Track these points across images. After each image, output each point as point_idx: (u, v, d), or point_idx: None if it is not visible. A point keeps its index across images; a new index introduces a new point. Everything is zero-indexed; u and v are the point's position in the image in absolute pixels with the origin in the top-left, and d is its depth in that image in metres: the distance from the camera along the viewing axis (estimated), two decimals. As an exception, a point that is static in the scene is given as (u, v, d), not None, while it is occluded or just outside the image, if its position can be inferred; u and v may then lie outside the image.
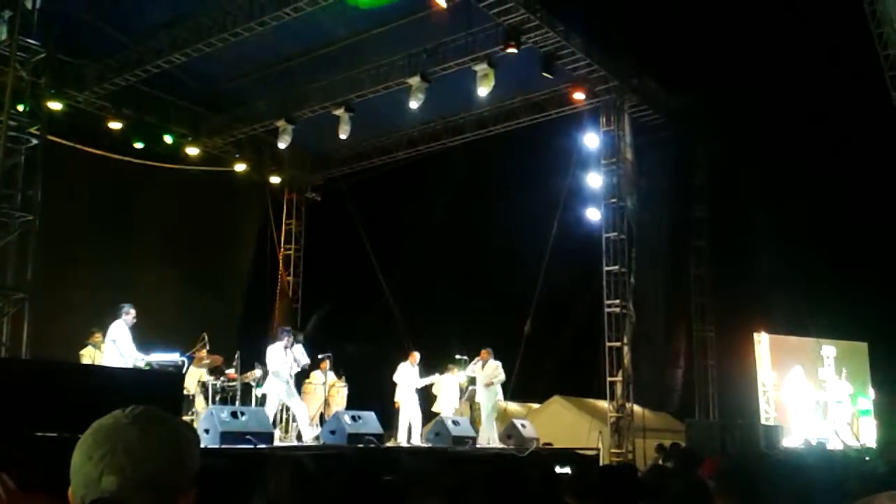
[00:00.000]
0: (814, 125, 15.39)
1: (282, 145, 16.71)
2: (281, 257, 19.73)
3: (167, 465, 1.36)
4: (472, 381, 14.43)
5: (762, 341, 18.24)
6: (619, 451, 14.64)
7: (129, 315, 10.19)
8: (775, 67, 15.41)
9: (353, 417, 11.13)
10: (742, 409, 17.40)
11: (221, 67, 15.51)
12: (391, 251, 18.19)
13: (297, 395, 11.83)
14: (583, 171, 16.14)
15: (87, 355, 11.40)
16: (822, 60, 14.43)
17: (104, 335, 10.35)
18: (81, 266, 14.21)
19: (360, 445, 10.51)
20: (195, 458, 1.43)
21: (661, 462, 11.21)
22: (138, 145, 16.11)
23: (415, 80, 14.50)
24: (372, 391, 13.73)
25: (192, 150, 17.26)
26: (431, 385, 13.72)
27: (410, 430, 12.73)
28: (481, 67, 13.98)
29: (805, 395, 18.19)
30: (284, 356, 11.31)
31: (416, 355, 13.24)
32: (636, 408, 15.22)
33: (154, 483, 1.34)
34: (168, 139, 16.47)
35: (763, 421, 17.28)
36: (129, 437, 1.35)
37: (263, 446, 9.14)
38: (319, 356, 13.02)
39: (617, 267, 15.24)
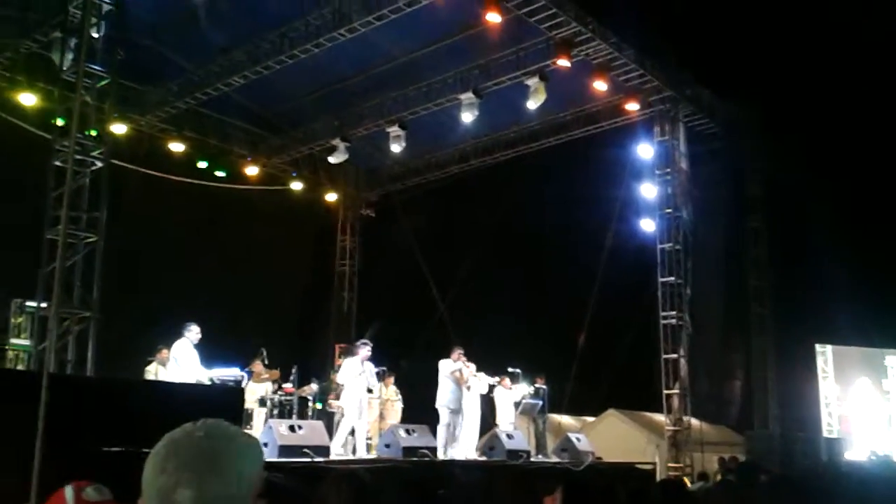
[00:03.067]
0: (872, 132, 15.04)
1: (336, 162, 16.99)
2: (336, 273, 19.99)
3: (238, 478, 1.38)
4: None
5: (824, 352, 17.82)
6: (676, 465, 14.43)
7: (192, 333, 10.48)
8: (831, 74, 15.11)
9: (407, 431, 11.22)
10: (803, 422, 17.01)
11: (279, 89, 15.87)
12: (444, 266, 18.28)
13: (365, 411, 11.96)
14: (637, 182, 16.04)
15: (152, 372, 11.73)
16: (881, 65, 14.11)
17: (170, 352, 10.66)
18: (145, 284, 14.63)
19: (415, 459, 10.59)
20: (261, 468, 1.46)
21: (722, 476, 11.07)
22: (202, 164, 16.62)
23: (467, 96, 14.63)
24: (426, 405, 13.80)
25: (251, 170, 17.75)
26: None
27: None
28: (533, 81, 14.03)
29: (870, 407, 17.68)
30: (360, 370, 11.47)
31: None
32: (694, 421, 15.00)
33: (226, 495, 1.36)
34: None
35: (825, 433, 16.86)
36: (201, 450, 1.38)
37: (320, 459, 9.29)
38: (377, 370, 13.16)
39: (672, 278, 15.09)
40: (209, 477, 1.35)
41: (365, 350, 11.71)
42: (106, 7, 11.32)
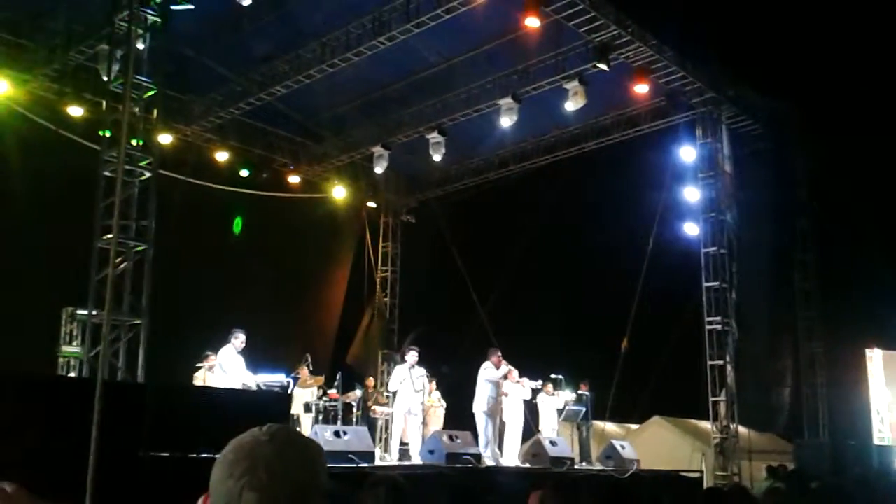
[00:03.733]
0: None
1: (378, 170, 17.09)
2: (378, 279, 20.10)
3: (304, 483, 1.40)
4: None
5: (874, 358, 17.41)
6: (723, 473, 14.20)
7: (238, 339, 10.61)
8: (879, 72, 14.78)
9: (450, 437, 11.22)
10: (853, 429, 16.64)
11: (320, 97, 16.02)
12: (485, 271, 18.26)
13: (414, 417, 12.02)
14: (679, 186, 15.86)
15: (201, 378, 11.89)
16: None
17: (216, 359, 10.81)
18: (191, 292, 14.83)
19: (459, 465, 10.58)
20: (326, 474, 1.47)
21: (769, 484, 10.87)
22: (244, 173, 16.87)
23: (506, 101, 14.61)
24: (468, 411, 13.79)
25: (293, 178, 17.97)
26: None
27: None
28: (572, 85, 13.96)
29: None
30: (407, 376, 11.54)
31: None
32: (741, 428, 14.76)
33: (292, 500, 1.37)
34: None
35: (876, 441, 16.47)
36: (268, 455, 1.39)
37: (366, 465, 9.33)
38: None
39: (717, 282, 14.88)
40: (275, 481, 1.36)
41: (412, 356, 11.77)
42: (151, 19, 11.53)
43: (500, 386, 12.43)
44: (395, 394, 12.28)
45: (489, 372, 12.37)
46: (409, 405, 11.67)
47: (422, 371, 11.96)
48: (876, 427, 17.01)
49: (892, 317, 16.24)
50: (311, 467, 1.43)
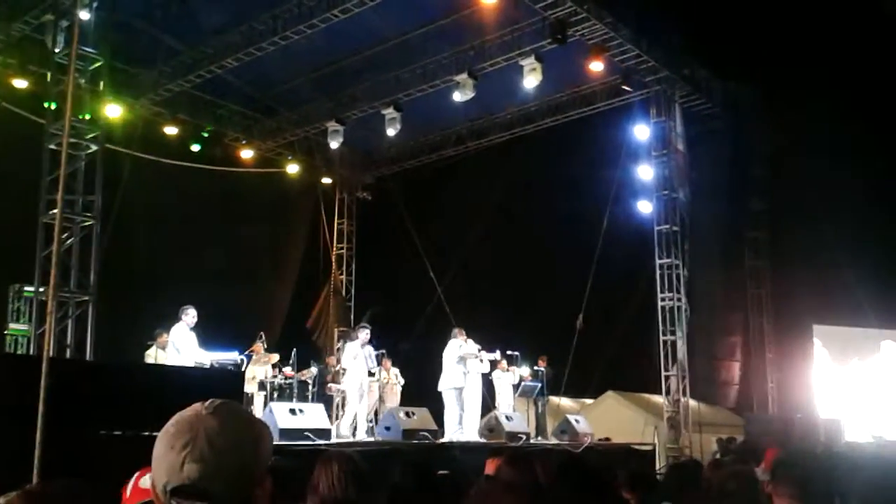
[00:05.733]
0: (874, 109, 14.95)
1: (333, 145, 16.91)
2: (333, 257, 19.96)
3: (245, 455, 1.42)
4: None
5: (822, 333, 17.83)
6: (675, 446, 14.48)
7: (188, 316, 10.44)
8: (832, 50, 14.98)
9: (407, 413, 11.22)
10: (801, 403, 17.05)
11: (272, 71, 15.76)
12: (442, 248, 18.25)
13: (366, 394, 11.96)
14: (633, 164, 15.97)
15: (152, 356, 11.70)
16: (883, 38, 13.97)
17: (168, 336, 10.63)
18: (141, 269, 14.57)
19: (415, 441, 10.60)
20: (269, 449, 1.49)
21: (719, 456, 11.10)
22: (195, 148, 16.53)
23: (462, 77, 14.52)
24: (425, 388, 13.80)
25: (246, 153, 17.67)
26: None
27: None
28: (528, 62, 13.92)
29: (869, 389, 17.70)
30: (360, 353, 11.47)
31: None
32: (692, 402, 15.05)
33: (233, 471, 1.40)
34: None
35: (823, 415, 16.91)
36: (209, 427, 1.41)
37: (322, 442, 9.28)
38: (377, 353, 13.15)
39: (670, 259, 15.08)
40: (215, 453, 1.39)
41: (364, 333, 11.71)
42: (97, -12, 11.20)
43: (464, 362, 12.44)
44: (345, 371, 12.20)
45: (452, 349, 12.35)
46: (361, 382, 11.63)
47: (371, 349, 11.89)
48: (823, 402, 17.44)
49: (839, 294, 16.65)
50: (253, 441, 1.46)
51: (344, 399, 12.42)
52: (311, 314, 18.78)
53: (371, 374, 12.36)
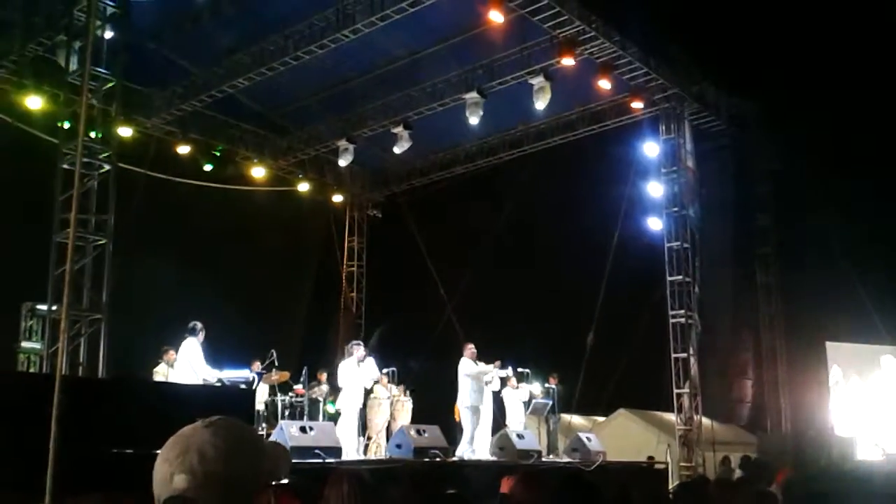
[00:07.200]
0: (880, 127, 14.94)
1: (343, 164, 17.00)
2: (344, 274, 19.99)
3: (237, 468, 1.42)
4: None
5: (835, 350, 17.69)
6: (688, 464, 14.38)
7: (200, 331, 10.46)
8: (838, 69, 15.00)
9: (418, 431, 11.19)
10: (814, 421, 16.90)
11: (284, 90, 15.88)
12: (452, 266, 18.25)
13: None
14: (643, 181, 15.98)
15: (161, 373, 11.71)
16: (887, 54, 13.99)
17: (177, 353, 10.64)
18: (153, 287, 14.62)
19: (426, 459, 10.56)
20: (272, 466, 1.50)
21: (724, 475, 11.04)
22: (207, 167, 16.65)
23: (471, 96, 14.60)
24: (436, 405, 13.77)
25: (257, 172, 17.78)
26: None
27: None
28: (537, 81, 13.99)
29: (881, 405, 17.55)
30: (357, 371, 11.43)
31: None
32: (705, 420, 14.94)
33: (222, 481, 1.40)
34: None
35: (836, 432, 16.77)
36: (202, 440, 1.43)
37: (332, 460, 9.26)
38: (383, 370, 13.13)
39: (681, 276, 15.04)
40: (204, 463, 1.40)
41: (358, 350, 11.64)
42: (110, 10, 11.34)
43: (479, 380, 12.39)
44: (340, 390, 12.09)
45: (467, 366, 12.32)
46: (360, 400, 11.59)
47: (372, 363, 11.81)
48: (836, 419, 17.29)
49: (851, 310, 16.55)
50: (248, 455, 1.46)
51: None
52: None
53: (376, 383, 12.31)
